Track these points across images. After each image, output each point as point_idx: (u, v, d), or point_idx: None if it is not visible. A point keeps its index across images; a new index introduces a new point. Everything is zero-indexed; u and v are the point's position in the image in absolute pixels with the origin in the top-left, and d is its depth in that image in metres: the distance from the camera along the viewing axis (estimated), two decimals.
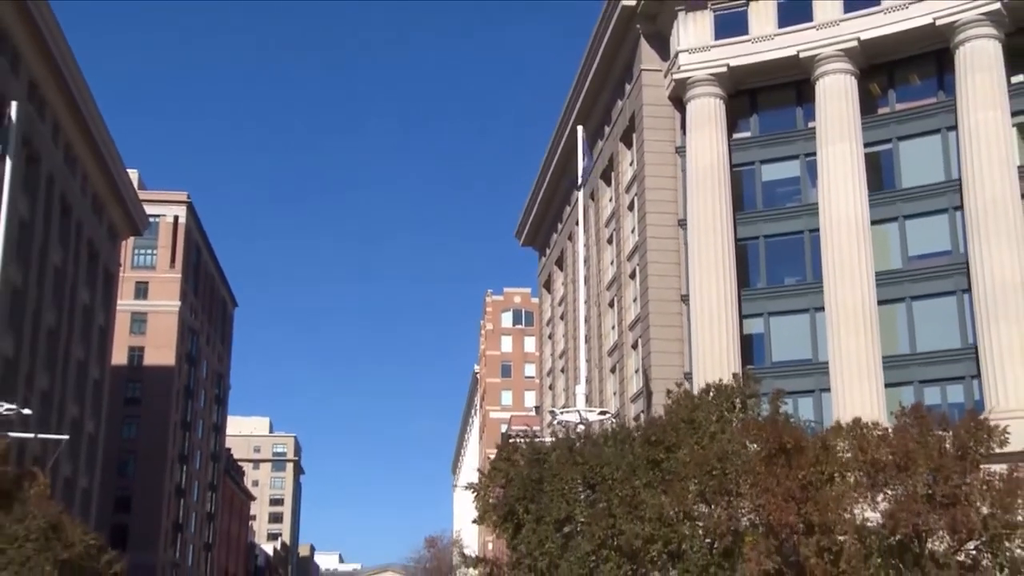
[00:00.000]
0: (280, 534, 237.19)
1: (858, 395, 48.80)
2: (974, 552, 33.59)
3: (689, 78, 56.02)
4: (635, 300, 60.27)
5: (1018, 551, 32.68)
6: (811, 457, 34.86)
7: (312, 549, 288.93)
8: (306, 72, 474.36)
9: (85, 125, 76.50)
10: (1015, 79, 50.77)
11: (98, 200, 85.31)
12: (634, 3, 58.34)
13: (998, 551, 32.84)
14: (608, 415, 50.73)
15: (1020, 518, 32.42)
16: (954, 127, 51.19)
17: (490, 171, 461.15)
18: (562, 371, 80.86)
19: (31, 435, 54.09)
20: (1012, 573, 32.85)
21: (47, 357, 72.20)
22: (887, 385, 49.73)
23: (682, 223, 56.54)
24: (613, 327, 65.56)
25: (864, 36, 52.88)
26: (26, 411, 50.44)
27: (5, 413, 47.87)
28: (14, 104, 54.34)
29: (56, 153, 72.56)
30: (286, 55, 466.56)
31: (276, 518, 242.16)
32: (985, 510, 32.85)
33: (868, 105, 54.12)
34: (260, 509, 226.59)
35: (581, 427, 46.01)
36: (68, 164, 75.92)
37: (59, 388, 74.85)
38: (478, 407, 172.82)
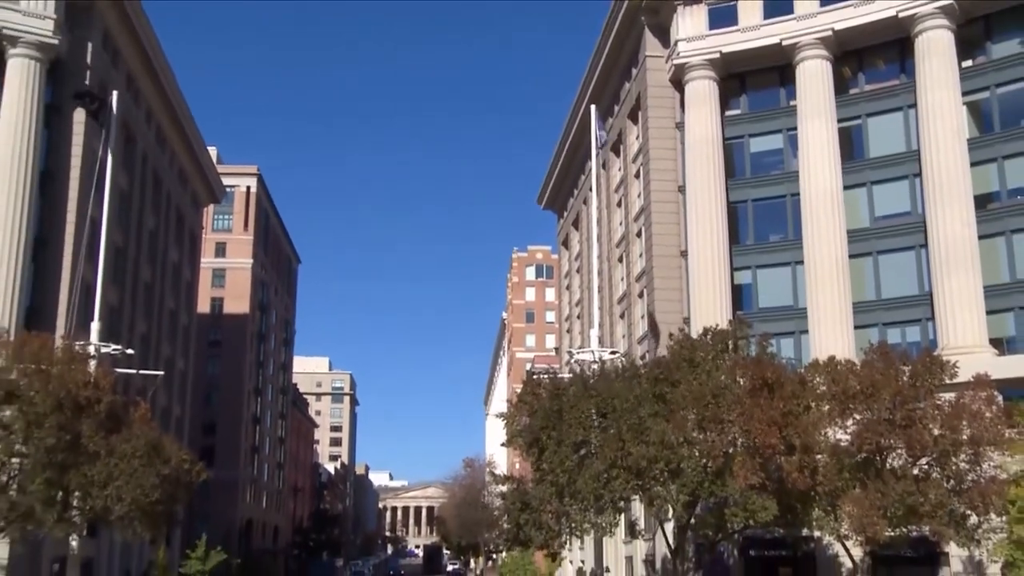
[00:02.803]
0: (339, 456, 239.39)
1: (831, 336, 49.04)
2: (926, 466, 34.26)
3: (687, 63, 55.93)
4: (641, 255, 60.58)
5: (962, 464, 33.29)
6: (789, 391, 35.47)
7: (367, 468, 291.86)
8: (348, 61, 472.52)
9: (172, 110, 76.91)
10: (965, 64, 50.43)
11: (183, 173, 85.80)
12: None
13: (945, 465, 33.49)
14: (618, 354, 51.14)
15: (964, 437, 32.99)
16: (914, 105, 51.00)
17: (517, 147, 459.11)
18: (578, 317, 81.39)
19: (133, 371, 55.06)
20: (956, 483, 33.54)
21: (145, 306, 73.03)
22: (856, 327, 49.90)
23: (681, 189, 56.64)
24: (622, 279, 65.93)
25: (837, 27, 52.68)
26: (129, 351, 51.64)
27: (112, 352, 49.19)
28: (115, 93, 54.93)
29: (149, 134, 73.06)
30: (345, 43, 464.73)
31: (336, 442, 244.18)
32: (936, 431, 33.44)
33: (841, 86, 53.91)
34: (322, 435, 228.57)
35: (595, 365, 46.49)
36: (159, 143, 76.42)
37: (155, 332, 75.73)
38: (506, 348, 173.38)
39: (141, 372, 57.75)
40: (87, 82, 57.39)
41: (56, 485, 37.70)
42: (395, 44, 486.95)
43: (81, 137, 56.78)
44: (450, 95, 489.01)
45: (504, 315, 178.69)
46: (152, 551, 67.65)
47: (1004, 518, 34.50)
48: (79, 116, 56.84)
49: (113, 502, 38.53)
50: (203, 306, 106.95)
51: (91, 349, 46.15)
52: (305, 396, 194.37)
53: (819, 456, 34.32)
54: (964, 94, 49.78)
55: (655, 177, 57.63)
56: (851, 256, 51.24)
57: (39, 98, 54.61)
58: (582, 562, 70.12)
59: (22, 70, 54.07)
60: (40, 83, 54.71)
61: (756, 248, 54.86)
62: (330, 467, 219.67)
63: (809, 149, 52.60)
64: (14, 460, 37.63)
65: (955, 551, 40.53)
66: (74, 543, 46.01)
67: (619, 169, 67.47)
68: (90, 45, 57.96)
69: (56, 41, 55.01)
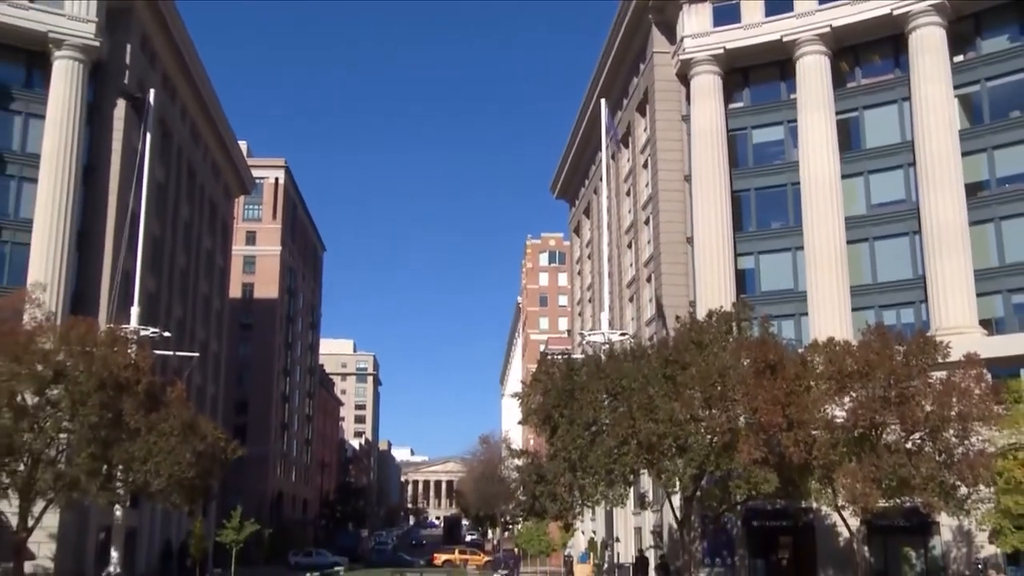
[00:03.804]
0: (364, 432, 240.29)
1: (830, 318, 49.16)
2: (918, 441, 34.50)
3: (692, 59, 55.98)
4: (649, 242, 60.74)
5: (952, 439, 33.51)
6: (791, 372, 35.71)
7: (389, 444, 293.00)
8: (356, 62, 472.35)
9: (205, 107, 77.20)
10: (956, 59, 50.40)
11: (216, 166, 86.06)
12: None
13: (936, 439, 33.71)
14: (627, 336, 51.45)
15: (954, 413, 33.20)
16: (908, 98, 51.07)
17: (529, 141, 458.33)
18: (589, 301, 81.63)
19: (170, 353, 55.43)
20: (947, 456, 33.77)
21: (180, 292, 73.46)
22: (853, 309, 50.04)
23: (687, 178, 56.72)
24: (631, 264, 66.11)
25: (835, 24, 52.71)
26: (166, 334, 52.04)
27: (151, 335, 49.72)
28: (152, 91, 55.39)
29: (183, 129, 73.45)
30: (345, 43, 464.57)
31: (360, 420, 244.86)
32: (928, 408, 33.65)
33: (839, 80, 53.89)
34: (347, 413, 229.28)
35: (605, 346, 46.74)
36: (193, 138, 76.77)
37: (190, 316, 76.17)
38: (521, 331, 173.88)
39: (177, 354, 58.06)
40: (126, 81, 57.95)
41: (100, 459, 38.41)
42: (394, 44, 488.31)
43: (121, 133, 57.30)
44: (456, 95, 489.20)
45: (519, 299, 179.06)
46: (190, 521, 68.50)
47: (992, 489, 34.81)
48: (119, 113, 57.39)
49: (152, 477, 39.25)
50: (235, 291, 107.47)
51: (131, 332, 46.75)
52: (331, 376, 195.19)
53: (815, 432, 34.58)
54: (956, 88, 49.75)
55: (662, 167, 57.74)
56: (849, 242, 51.32)
57: (82, 97, 55.19)
58: (594, 532, 70.67)
59: (66, 71, 54.68)
60: (83, 83, 55.26)
61: (758, 234, 54.94)
62: (355, 443, 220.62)
63: (809, 140, 52.65)
64: (61, 436, 38.41)
65: (946, 520, 40.91)
66: (118, 513, 46.80)
67: (628, 160, 67.55)
68: (129, 47, 58.45)
69: (98, 43, 55.54)
